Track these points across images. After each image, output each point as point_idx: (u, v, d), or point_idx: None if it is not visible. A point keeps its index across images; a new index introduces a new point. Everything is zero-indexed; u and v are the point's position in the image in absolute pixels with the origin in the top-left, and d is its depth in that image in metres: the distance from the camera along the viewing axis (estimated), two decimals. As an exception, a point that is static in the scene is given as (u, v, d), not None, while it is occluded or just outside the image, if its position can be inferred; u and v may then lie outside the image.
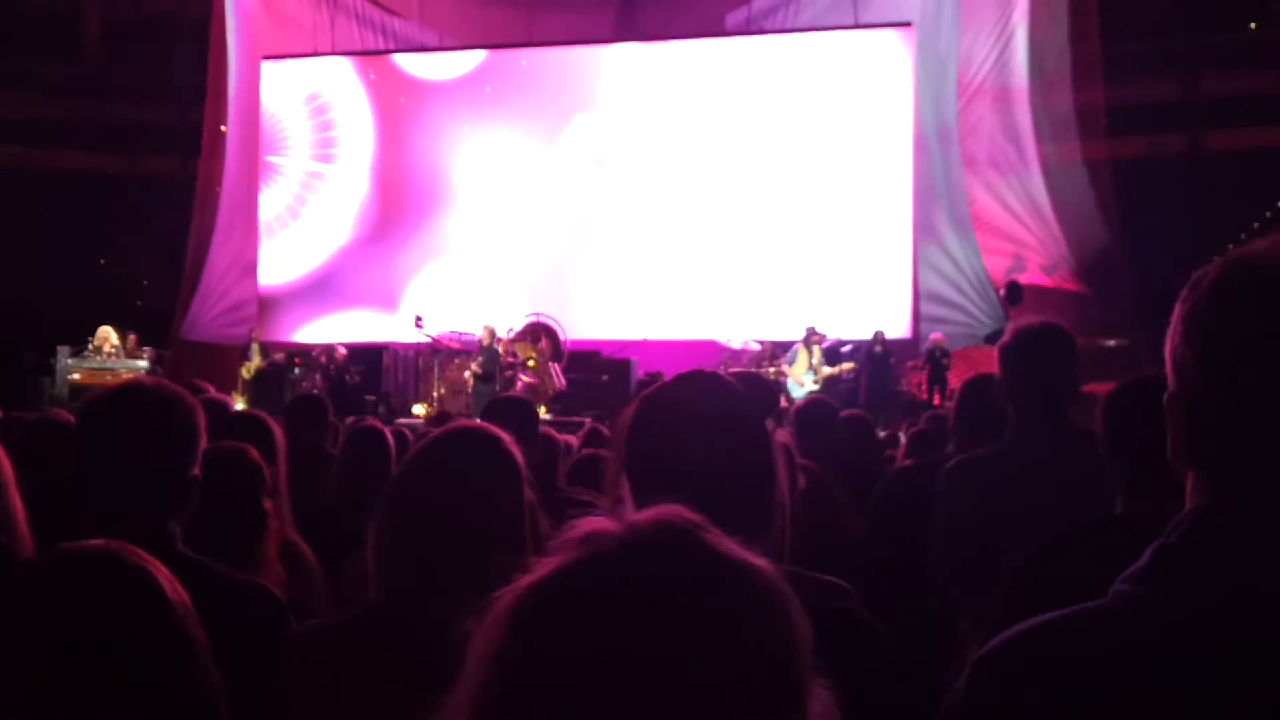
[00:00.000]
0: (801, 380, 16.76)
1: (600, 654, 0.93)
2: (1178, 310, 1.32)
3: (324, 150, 22.12)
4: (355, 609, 2.23)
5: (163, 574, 1.71)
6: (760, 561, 1.02)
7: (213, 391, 5.56)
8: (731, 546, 1.02)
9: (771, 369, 17.13)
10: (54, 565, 1.67)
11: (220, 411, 4.57)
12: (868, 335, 17.83)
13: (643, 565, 0.97)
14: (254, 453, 3.21)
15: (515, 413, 4.78)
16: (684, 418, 1.93)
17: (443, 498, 2.15)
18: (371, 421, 5.69)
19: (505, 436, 2.30)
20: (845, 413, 6.40)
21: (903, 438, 9.60)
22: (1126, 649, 1.26)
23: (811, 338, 17.07)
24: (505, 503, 2.20)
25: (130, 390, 2.42)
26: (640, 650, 0.93)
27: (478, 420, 2.56)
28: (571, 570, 0.99)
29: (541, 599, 0.98)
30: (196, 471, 2.37)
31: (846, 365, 17.23)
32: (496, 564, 1.12)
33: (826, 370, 16.86)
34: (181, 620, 1.68)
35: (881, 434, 9.86)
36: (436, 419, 9.88)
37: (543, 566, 1.00)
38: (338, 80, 22.23)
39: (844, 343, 17.63)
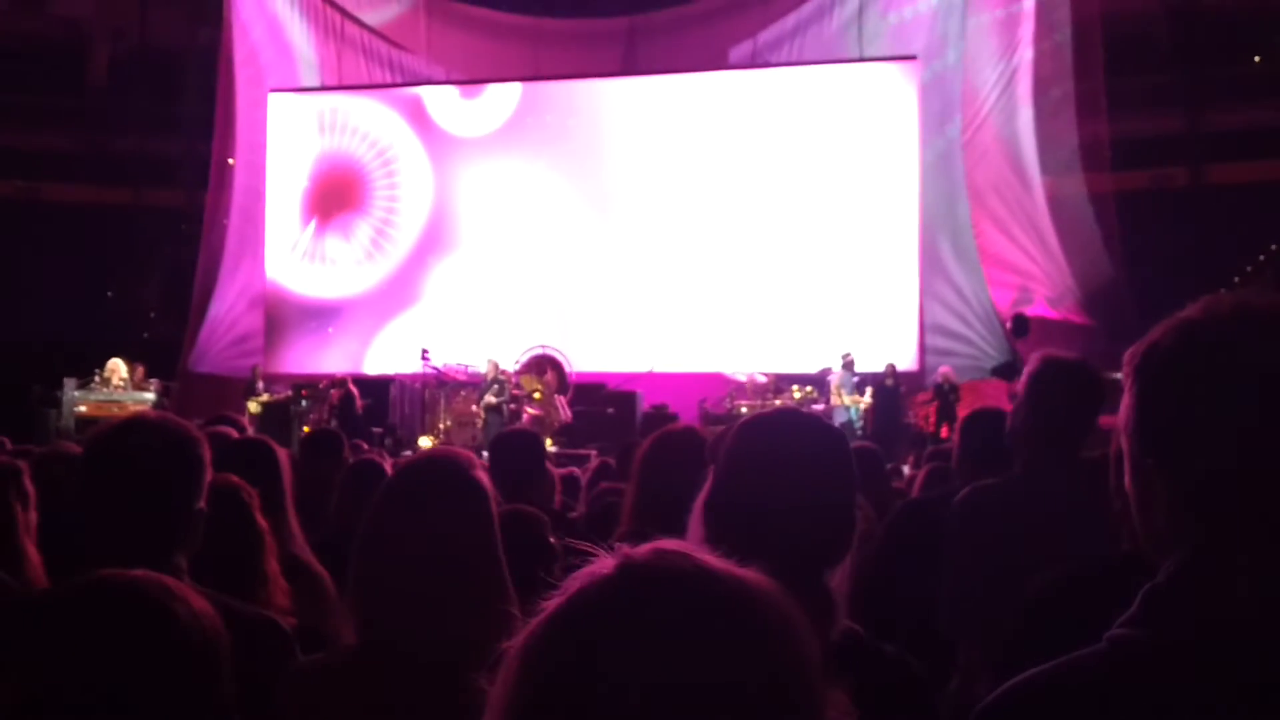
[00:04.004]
0: (845, 403, 17.06)
1: (608, 685, 0.94)
2: (1133, 386, 1.40)
3: (331, 183, 22.18)
4: (338, 653, 2.24)
5: (189, 604, 1.70)
6: (759, 578, 1.03)
7: (249, 433, 5.53)
8: (728, 566, 1.03)
9: (798, 395, 17.32)
10: (84, 592, 1.66)
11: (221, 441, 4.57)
12: (874, 367, 17.82)
13: (643, 587, 0.98)
14: (234, 477, 3.21)
15: (522, 447, 4.78)
16: (790, 449, 1.97)
17: (411, 541, 2.15)
18: (371, 455, 5.69)
19: (472, 461, 2.30)
20: (854, 444, 6.38)
21: (907, 470, 9.59)
22: (1121, 695, 1.29)
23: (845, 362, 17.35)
24: (481, 541, 2.19)
25: (134, 424, 2.42)
26: (648, 675, 0.93)
27: (444, 447, 2.51)
28: (574, 602, 1.00)
29: (546, 638, 0.99)
30: (202, 504, 2.37)
31: (866, 402, 17.35)
32: (473, 599, 1.13)
33: (860, 399, 17.15)
34: (212, 654, 1.67)
35: (887, 466, 9.82)
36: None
37: (547, 607, 1.01)
38: (345, 114, 22.32)
39: (854, 376, 17.65)
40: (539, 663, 0.98)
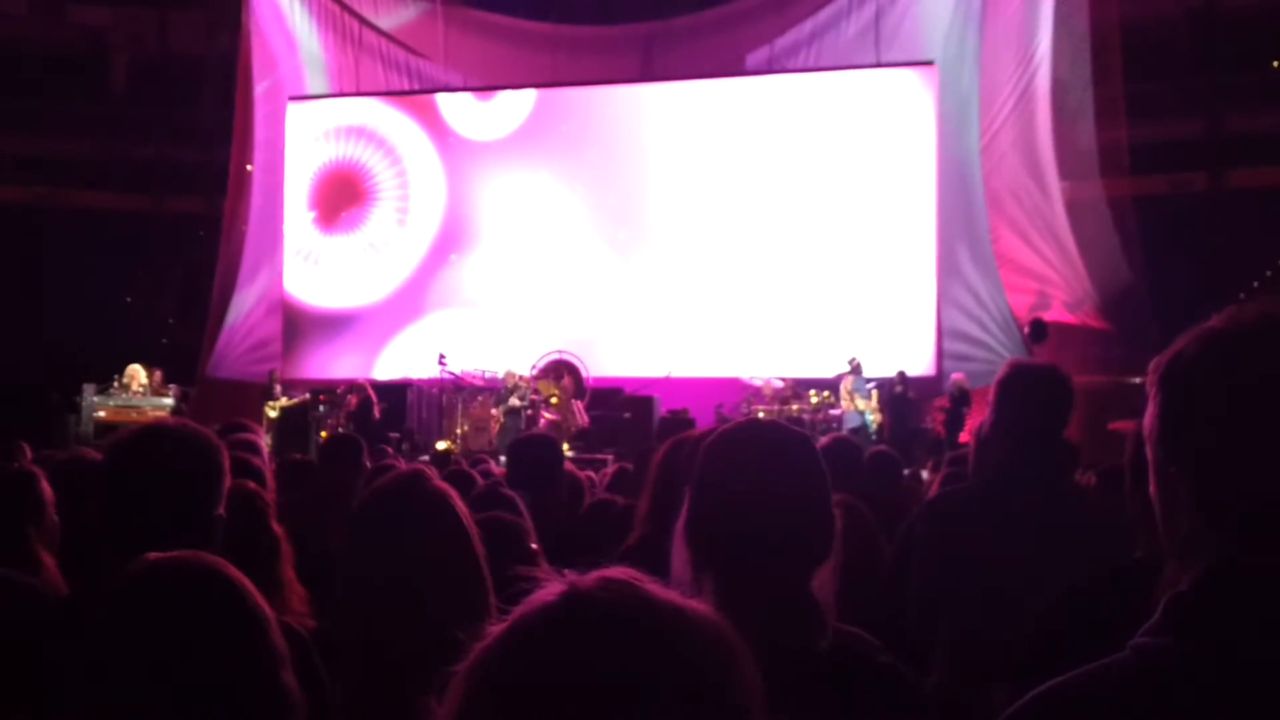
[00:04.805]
0: (859, 408, 17.08)
1: (549, 709, 0.95)
2: (1157, 396, 1.42)
3: (349, 189, 22.25)
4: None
5: (249, 584, 1.73)
6: (705, 609, 1.04)
7: (256, 435, 5.54)
8: (673, 599, 1.03)
9: (815, 400, 17.33)
10: (150, 574, 1.69)
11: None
12: (891, 373, 17.80)
13: (585, 616, 0.99)
14: (251, 484, 3.22)
15: (540, 452, 4.79)
16: (756, 462, 1.99)
17: (393, 564, 2.16)
18: (391, 462, 5.70)
19: (436, 480, 2.29)
20: (872, 449, 6.39)
21: (925, 475, 9.59)
22: (1147, 705, 1.29)
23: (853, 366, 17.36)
24: (452, 553, 2.19)
25: (154, 432, 2.43)
26: (587, 703, 0.94)
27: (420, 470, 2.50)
28: (516, 629, 1.00)
29: (487, 666, 1.00)
30: (221, 510, 2.38)
31: (874, 405, 17.36)
32: (454, 636, 1.13)
33: (871, 402, 17.16)
34: (274, 630, 1.70)
35: (905, 472, 9.81)
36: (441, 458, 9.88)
37: (492, 631, 1.02)
38: (362, 121, 22.38)
39: (867, 380, 17.64)
40: (480, 690, 0.99)
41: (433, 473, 2.35)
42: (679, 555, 1.99)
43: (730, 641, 1.03)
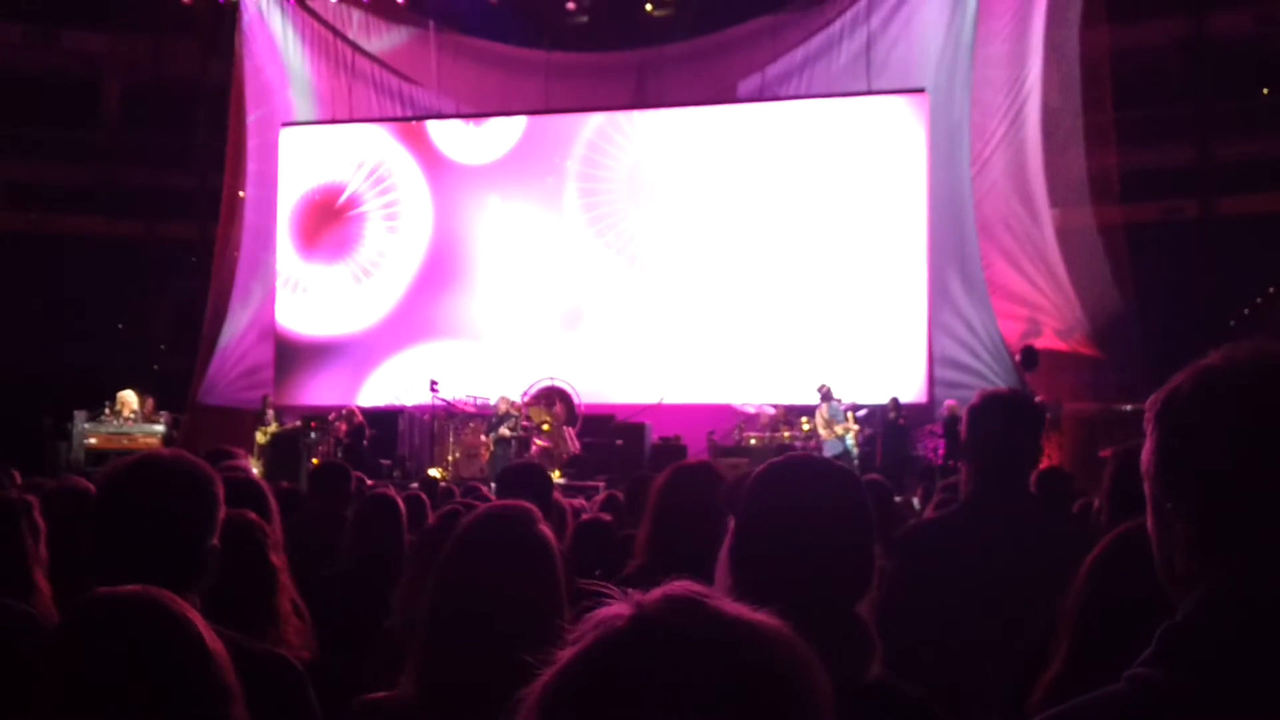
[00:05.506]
0: (838, 434, 17.01)
1: None
2: (1154, 432, 1.44)
3: (340, 216, 22.25)
4: (393, 699, 2.23)
5: (200, 621, 1.72)
6: (773, 623, 1.03)
7: (241, 460, 5.54)
8: (742, 611, 1.02)
9: (806, 426, 17.30)
10: (94, 609, 1.68)
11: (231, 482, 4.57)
12: (883, 399, 17.81)
13: (656, 638, 0.98)
14: (252, 514, 3.22)
15: (530, 481, 4.78)
16: (805, 494, 2.05)
17: (490, 596, 2.16)
18: (383, 489, 5.70)
19: (542, 524, 2.31)
20: (867, 478, 6.40)
21: (916, 503, 9.60)
22: None
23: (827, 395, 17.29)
24: (547, 596, 2.20)
25: (149, 463, 2.43)
26: None
27: (510, 500, 2.54)
28: (588, 654, 1.00)
29: (563, 688, 0.99)
30: (215, 542, 2.37)
31: (854, 428, 17.32)
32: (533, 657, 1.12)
33: (850, 426, 17.09)
34: (219, 666, 1.69)
35: (897, 499, 9.82)
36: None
37: (562, 656, 1.01)
38: (354, 147, 22.41)
39: (859, 407, 17.63)
40: (555, 716, 0.98)
41: (538, 513, 2.36)
42: (721, 582, 2.03)
43: (803, 651, 1.03)
